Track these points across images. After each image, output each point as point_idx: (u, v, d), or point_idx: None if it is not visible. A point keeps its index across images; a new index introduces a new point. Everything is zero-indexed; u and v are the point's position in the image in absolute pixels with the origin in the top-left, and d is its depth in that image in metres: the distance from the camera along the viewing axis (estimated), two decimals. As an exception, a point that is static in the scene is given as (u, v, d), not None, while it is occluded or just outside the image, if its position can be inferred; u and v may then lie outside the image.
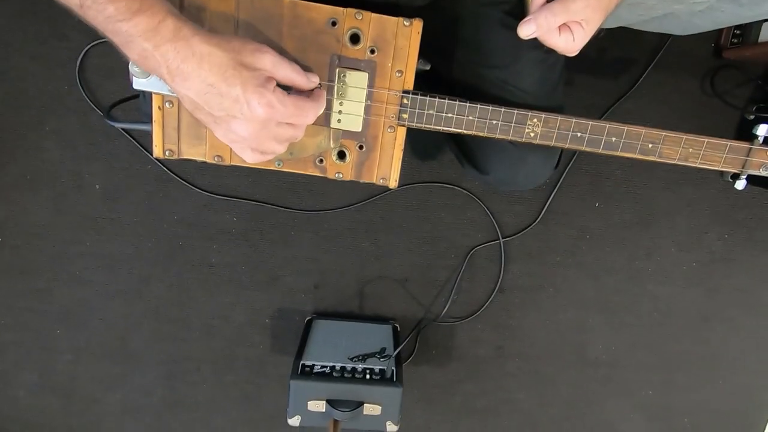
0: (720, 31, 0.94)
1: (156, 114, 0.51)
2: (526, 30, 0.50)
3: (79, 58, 0.88)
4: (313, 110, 0.46)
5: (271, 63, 0.43)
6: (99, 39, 0.87)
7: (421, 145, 0.98)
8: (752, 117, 0.96)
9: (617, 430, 1.20)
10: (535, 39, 0.51)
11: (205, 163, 0.54)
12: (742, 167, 0.57)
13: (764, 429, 1.23)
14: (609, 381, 1.15)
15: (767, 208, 1.06)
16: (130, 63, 0.43)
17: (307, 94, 0.47)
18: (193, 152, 0.53)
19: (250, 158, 0.46)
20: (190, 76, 0.40)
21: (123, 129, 0.92)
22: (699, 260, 1.08)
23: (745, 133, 0.58)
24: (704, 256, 1.08)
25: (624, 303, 1.10)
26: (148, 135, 0.53)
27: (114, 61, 0.89)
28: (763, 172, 0.58)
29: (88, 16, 0.38)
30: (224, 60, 0.40)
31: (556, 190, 1.01)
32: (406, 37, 0.51)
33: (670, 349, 1.14)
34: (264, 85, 0.42)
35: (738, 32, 0.92)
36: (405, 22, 0.51)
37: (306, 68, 0.48)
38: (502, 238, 1.03)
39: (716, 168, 0.57)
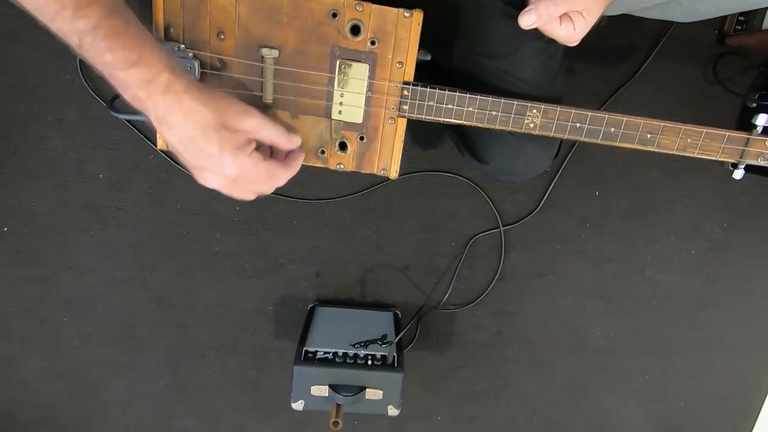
0: (723, 17, 0.93)
1: (159, 106, 0.51)
2: (526, 20, 0.50)
3: (80, 48, 0.88)
4: (284, 176, 0.50)
5: (254, 125, 0.46)
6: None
7: (422, 133, 0.98)
8: (754, 104, 0.95)
9: (615, 414, 1.22)
10: (536, 29, 0.51)
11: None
12: (740, 157, 0.58)
13: (759, 414, 1.25)
14: (607, 366, 1.17)
15: (766, 196, 1.06)
16: None
17: (286, 153, 0.51)
18: (196, 144, 0.54)
19: (201, 183, 0.48)
20: (174, 126, 0.42)
21: (126, 120, 0.92)
22: (698, 248, 1.09)
23: (747, 121, 0.59)
24: (703, 244, 1.09)
25: (623, 290, 1.11)
26: (152, 125, 0.53)
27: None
28: (761, 162, 0.59)
29: (86, 57, 0.39)
30: (208, 118, 0.43)
31: (556, 178, 1.01)
32: (406, 28, 0.51)
33: (667, 335, 1.15)
34: (241, 147, 0.45)
35: (742, 19, 0.91)
36: (405, 14, 0.51)
37: (306, 60, 0.49)
38: (503, 226, 1.03)
39: (714, 158, 0.58)
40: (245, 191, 0.48)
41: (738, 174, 0.60)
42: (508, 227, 1.04)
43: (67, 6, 0.36)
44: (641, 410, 1.22)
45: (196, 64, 0.51)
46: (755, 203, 1.06)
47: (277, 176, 0.49)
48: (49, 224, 0.98)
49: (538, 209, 1.03)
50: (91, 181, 0.96)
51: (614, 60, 0.96)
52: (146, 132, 0.93)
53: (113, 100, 0.62)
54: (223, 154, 0.44)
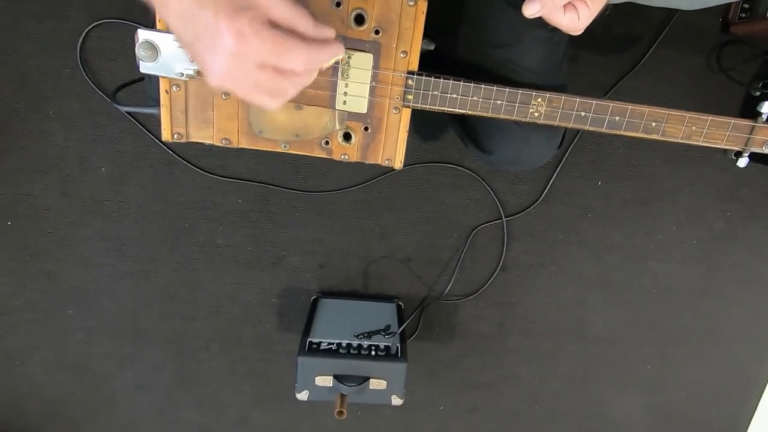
0: (728, 5, 0.92)
1: (163, 98, 0.51)
2: (531, 9, 0.49)
3: (80, 40, 0.87)
4: (301, 52, 0.37)
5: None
6: (99, 19, 0.86)
7: (424, 125, 0.97)
8: (758, 93, 0.95)
9: (616, 404, 1.23)
10: (540, 18, 0.51)
11: (213, 145, 0.54)
12: (745, 145, 0.58)
13: (759, 403, 1.26)
14: (608, 356, 1.17)
15: (767, 186, 1.06)
16: (137, 47, 0.43)
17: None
18: (201, 135, 0.54)
19: (215, 83, 0.38)
20: (170, 1, 0.35)
21: (129, 112, 0.92)
22: (699, 237, 1.09)
23: (750, 109, 0.59)
24: (705, 234, 1.09)
25: (624, 280, 1.11)
26: (154, 118, 0.53)
27: (115, 43, 0.88)
28: (765, 150, 0.59)
29: None
30: None
31: (558, 169, 1.01)
32: (410, 17, 0.51)
33: (668, 325, 1.16)
34: (239, 11, 0.35)
35: (746, 6, 0.90)
36: (409, 3, 0.50)
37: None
38: (505, 217, 1.04)
39: (719, 146, 0.58)
40: (256, 88, 0.37)
41: (742, 162, 0.60)
42: (510, 218, 1.04)
43: None
44: (642, 399, 1.23)
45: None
46: (756, 193, 1.06)
47: (290, 50, 0.36)
48: (51, 218, 0.98)
49: (540, 200, 1.03)
50: (94, 174, 0.96)
51: (618, 49, 0.95)
52: (148, 125, 0.93)
53: (116, 92, 0.62)
54: (218, 19, 0.34)
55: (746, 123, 0.57)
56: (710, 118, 0.55)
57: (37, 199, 0.96)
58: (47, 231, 0.99)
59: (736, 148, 0.58)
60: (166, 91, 0.51)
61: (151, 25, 0.49)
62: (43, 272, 1.01)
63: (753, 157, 0.60)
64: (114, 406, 1.15)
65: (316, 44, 0.38)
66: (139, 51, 0.44)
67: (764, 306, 1.16)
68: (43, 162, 0.94)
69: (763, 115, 0.57)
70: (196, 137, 0.54)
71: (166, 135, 0.53)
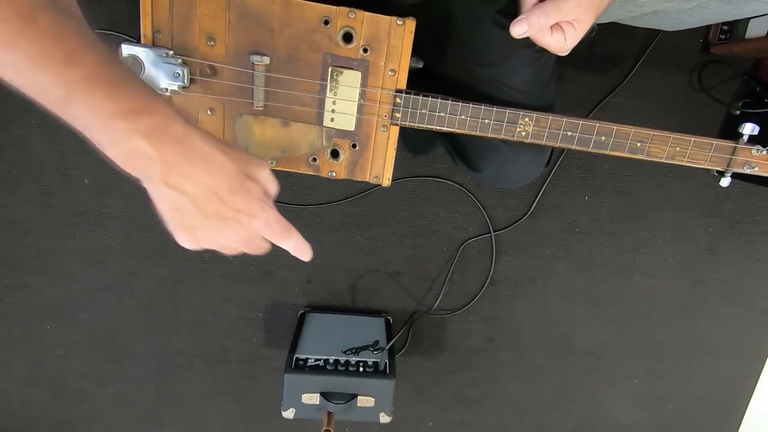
0: (708, 27, 0.94)
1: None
2: (518, 29, 0.50)
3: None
4: (295, 237, 0.47)
5: (267, 175, 0.44)
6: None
7: (414, 140, 0.98)
8: (738, 112, 0.97)
9: (604, 417, 1.23)
10: (527, 38, 0.51)
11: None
12: (727, 165, 0.59)
13: (743, 417, 1.27)
14: (596, 370, 1.18)
15: (752, 201, 1.08)
16: (121, 48, 0.43)
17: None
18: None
19: (187, 245, 0.43)
20: (191, 178, 0.38)
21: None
22: (684, 252, 1.10)
23: (731, 128, 0.60)
24: (690, 249, 1.10)
25: (611, 295, 1.12)
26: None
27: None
28: (747, 170, 0.60)
29: (71, 111, 0.33)
30: (231, 169, 0.40)
31: (546, 184, 1.02)
32: (399, 36, 0.51)
33: (655, 339, 1.17)
34: (265, 200, 0.43)
35: (726, 28, 0.93)
36: (398, 21, 0.50)
37: (298, 67, 0.48)
38: (494, 231, 1.04)
39: (702, 166, 0.59)
40: (260, 247, 0.46)
41: (725, 182, 0.61)
42: (498, 232, 1.04)
43: (53, 55, 0.31)
44: (630, 413, 1.23)
45: (185, 71, 0.50)
46: (739, 208, 1.08)
47: (288, 235, 0.47)
48: (31, 230, 0.95)
49: (528, 215, 1.04)
50: (76, 186, 0.94)
51: (602, 67, 0.97)
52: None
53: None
54: (252, 206, 0.42)
55: (728, 144, 0.58)
56: (693, 138, 0.56)
57: (17, 211, 0.94)
58: (27, 243, 0.96)
59: (719, 168, 0.59)
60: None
61: (137, 38, 0.48)
62: (20, 285, 0.98)
63: (736, 175, 0.61)
64: (92, 424, 1.11)
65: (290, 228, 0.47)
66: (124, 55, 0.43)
67: (748, 320, 1.18)
68: (23, 173, 0.92)
69: (744, 136, 0.58)
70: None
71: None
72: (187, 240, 0.42)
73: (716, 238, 1.10)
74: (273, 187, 0.45)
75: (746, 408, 1.26)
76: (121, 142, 0.35)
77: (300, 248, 0.48)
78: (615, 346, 1.16)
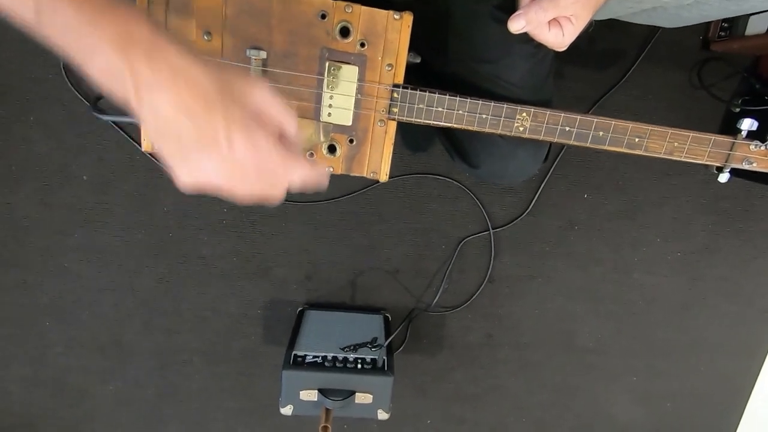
0: (708, 23, 0.94)
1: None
2: (516, 24, 0.50)
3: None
4: (300, 172, 0.38)
5: (265, 97, 0.37)
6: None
7: (412, 137, 0.98)
8: (738, 109, 0.97)
9: (603, 414, 1.23)
10: (525, 33, 0.51)
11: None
12: (726, 161, 0.59)
13: (743, 414, 1.27)
14: (595, 368, 1.18)
15: (750, 198, 1.08)
16: None
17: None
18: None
19: (187, 182, 0.36)
20: (164, 97, 0.33)
21: (110, 121, 0.90)
22: (683, 250, 1.10)
23: (731, 125, 0.60)
24: (688, 246, 1.10)
25: (610, 292, 1.12)
26: (136, 126, 0.52)
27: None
28: (745, 166, 0.59)
29: (43, 26, 0.32)
30: (209, 86, 0.34)
31: (545, 181, 1.02)
32: (396, 30, 0.51)
33: (654, 336, 1.17)
34: (252, 123, 0.35)
35: (726, 25, 0.92)
36: (395, 16, 0.50)
37: (295, 62, 0.46)
38: (492, 228, 1.04)
39: (700, 162, 0.59)
40: (250, 186, 0.37)
41: (723, 177, 0.61)
42: (497, 230, 1.04)
43: None
44: (629, 410, 1.23)
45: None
46: (738, 206, 1.08)
47: (292, 170, 0.38)
48: (31, 228, 0.95)
49: (527, 212, 1.04)
50: (75, 183, 0.94)
51: (602, 64, 0.97)
52: (131, 133, 0.91)
53: (96, 102, 0.61)
54: (232, 130, 0.34)
55: (727, 139, 0.58)
56: (692, 134, 0.56)
57: (17, 209, 0.94)
58: (27, 241, 0.96)
59: (717, 164, 0.59)
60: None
61: None
62: (20, 284, 0.99)
63: (734, 172, 0.61)
64: (93, 422, 1.11)
65: (306, 161, 0.39)
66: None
67: (747, 317, 1.17)
68: (23, 170, 0.92)
69: (742, 132, 0.58)
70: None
71: (146, 145, 0.52)
72: (181, 175, 0.36)
73: (715, 236, 1.10)
74: (276, 108, 0.37)
75: (745, 405, 1.26)
76: (93, 56, 0.32)
77: (311, 178, 0.39)
78: (614, 343, 1.16)
